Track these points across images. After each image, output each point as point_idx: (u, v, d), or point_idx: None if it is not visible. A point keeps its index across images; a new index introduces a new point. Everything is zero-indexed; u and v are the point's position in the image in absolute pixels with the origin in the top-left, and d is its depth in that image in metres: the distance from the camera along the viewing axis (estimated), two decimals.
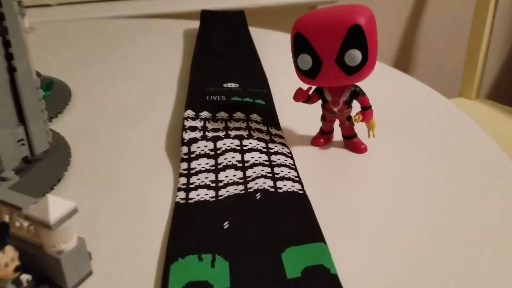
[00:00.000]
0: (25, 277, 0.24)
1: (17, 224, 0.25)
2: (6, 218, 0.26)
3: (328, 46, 0.32)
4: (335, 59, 0.33)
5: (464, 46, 0.97)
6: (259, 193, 0.31)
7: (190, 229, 0.28)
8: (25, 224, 0.25)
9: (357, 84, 0.35)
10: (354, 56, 0.32)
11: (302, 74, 0.34)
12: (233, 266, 0.26)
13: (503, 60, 1.30)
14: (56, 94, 0.46)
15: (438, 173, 0.34)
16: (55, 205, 0.24)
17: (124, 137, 0.40)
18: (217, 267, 0.26)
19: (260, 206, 0.30)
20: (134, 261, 0.27)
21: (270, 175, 0.33)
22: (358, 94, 0.35)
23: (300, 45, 0.33)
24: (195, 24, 0.64)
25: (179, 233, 0.28)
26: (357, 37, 0.32)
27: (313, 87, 0.36)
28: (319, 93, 0.36)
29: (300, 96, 0.36)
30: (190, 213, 0.30)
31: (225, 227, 0.28)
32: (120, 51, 0.59)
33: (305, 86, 0.36)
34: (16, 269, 0.22)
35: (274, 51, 0.57)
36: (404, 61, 1.24)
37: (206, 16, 0.63)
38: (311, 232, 0.28)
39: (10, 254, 0.21)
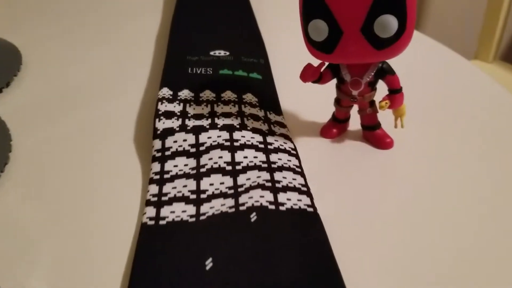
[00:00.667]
0: None
1: None
2: None
3: (352, 10, 0.23)
4: (361, 27, 0.24)
5: (483, 3, 0.87)
6: (254, 213, 0.23)
7: (160, 269, 0.21)
8: None
9: (386, 60, 0.26)
10: (388, 23, 0.23)
11: (314, 46, 0.25)
12: None
13: None
14: (1, 61, 0.36)
15: (485, 175, 0.27)
16: None
17: (80, 123, 0.31)
18: None
19: (256, 235, 0.22)
20: None
21: (269, 184, 0.24)
22: (386, 72, 0.27)
23: (312, 7, 0.24)
24: None
25: (144, 275, 0.20)
26: None
27: (326, 63, 0.27)
28: (333, 71, 0.28)
29: (310, 74, 0.27)
30: (160, 242, 0.22)
31: (207, 267, 0.21)
32: (86, 7, 0.49)
33: (315, 61, 0.27)
34: None
35: (276, 11, 0.47)
36: (419, 21, 1.13)
37: None
38: (326, 276, 0.20)
39: None
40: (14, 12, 0.48)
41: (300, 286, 0.20)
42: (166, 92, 0.31)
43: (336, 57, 0.25)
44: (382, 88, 0.27)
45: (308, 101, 0.32)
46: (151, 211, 0.24)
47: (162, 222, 0.23)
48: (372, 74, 0.27)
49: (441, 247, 0.23)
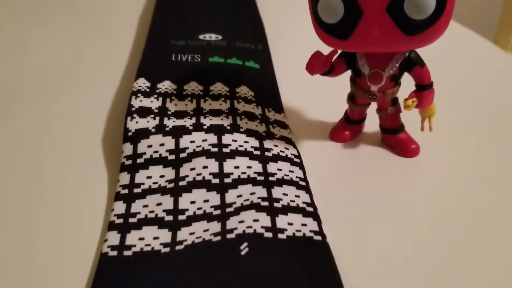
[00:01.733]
0: None
1: None
2: None
3: None
4: (387, 5, 0.18)
5: None
6: (245, 244, 0.18)
7: None
8: None
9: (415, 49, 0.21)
10: (424, 1, 0.18)
11: (325, 30, 0.20)
12: None
13: None
14: None
15: None
16: None
17: (37, 122, 0.26)
18: None
19: (247, 274, 0.17)
20: None
21: (266, 203, 0.19)
22: (414, 64, 0.22)
23: None
24: None
25: None
26: None
27: (339, 52, 0.22)
28: (348, 61, 0.22)
29: (318, 65, 0.22)
30: (123, 280, 0.17)
31: None
32: None
33: (326, 49, 0.22)
34: None
35: None
36: None
37: None
38: None
39: None
40: None
41: None
42: (142, 83, 0.26)
43: (353, 44, 0.20)
44: (407, 83, 0.22)
45: (316, 97, 0.27)
46: (114, 238, 0.18)
47: (127, 253, 0.18)
48: (397, 65, 0.21)
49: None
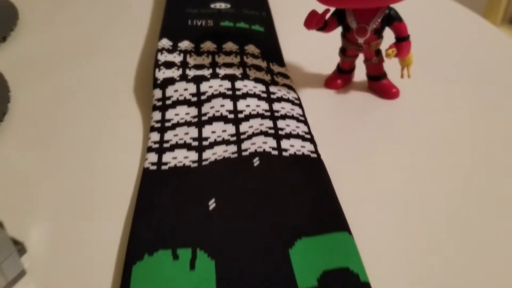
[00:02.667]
0: None
1: None
2: None
3: None
4: None
5: None
6: (257, 158, 0.23)
7: (162, 210, 0.20)
8: None
9: (392, 6, 0.26)
10: None
11: None
12: (220, 268, 0.18)
13: None
14: None
15: (487, 124, 0.26)
16: None
17: (80, 76, 0.31)
18: (199, 269, 0.18)
19: (259, 178, 0.22)
20: (84, 255, 0.20)
21: (272, 131, 0.24)
22: (393, 19, 0.26)
23: None
24: None
25: (147, 217, 0.20)
26: None
27: (332, 9, 0.27)
28: (339, 18, 0.27)
29: (314, 21, 0.26)
30: (162, 186, 0.22)
31: (210, 207, 0.20)
32: None
33: (320, 8, 0.26)
34: None
35: None
36: None
37: None
38: (330, 216, 0.20)
39: None
40: None
41: (304, 228, 0.20)
42: (165, 43, 0.30)
43: (342, 1, 0.25)
44: (388, 37, 0.27)
45: (312, 52, 0.31)
46: (152, 157, 0.23)
47: (164, 167, 0.23)
48: (379, 20, 0.26)
49: (435, 197, 0.22)
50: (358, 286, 0.18)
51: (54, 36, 0.35)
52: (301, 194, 0.21)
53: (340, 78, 0.29)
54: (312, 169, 0.22)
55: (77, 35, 0.35)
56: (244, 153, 0.23)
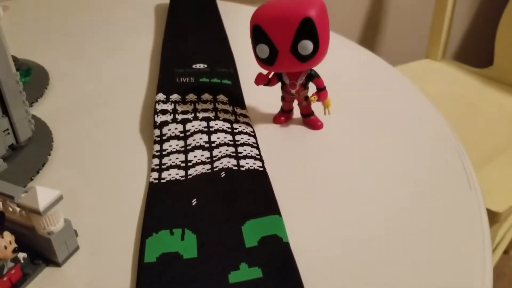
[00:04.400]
0: (21, 255, 0.28)
1: (10, 209, 0.29)
2: (0, 205, 0.30)
3: (283, 37, 0.36)
4: (290, 48, 0.36)
5: (432, 9, 1.00)
6: (223, 172, 0.35)
7: (163, 206, 0.33)
8: (17, 209, 0.29)
9: (312, 68, 0.39)
10: (306, 46, 0.35)
11: (261, 61, 0.38)
12: (200, 238, 0.30)
13: (469, 22, 1.33)
14: (35, 79, 0.48)
15: (386, 145, 0.39)
16: (43, 194, 0.27)
17: (101, 120, 0.43)
18: (186, 240, 0.30)
19: (224, 184, 0.34)
20: (114, 236, 0.32)
21: (234, 154, 0.37)
22: (313, 77, 0.39)
23: (258, 36, 0.36)
24: None
25: (153, 211, 0.32)
26: (308, 29, 0.35)
27: (272, 72, 0.39)
28: (278, 77, 0.40)
29: (261, 80, 0.39)
30: (162, 192, 0.34)
31: (193, 203, 0.33)
32: (94, 28, 0.61)
33: (265, 71, 0.39)
34: (14, 251, 0.26)
35: (243, 27, 0.59)
36: (373, 22, 1.26)
37: None
38: (268, 206, 0.32)
39: (8, 238, 0.25)
40: (36, 39, 0.60)
41: (252, 213, 0.32)
42: (161, 96, 0.43)
43: (276, 68, 0.38)
44: (313, 87, 0.40)
45: (264, 99, 0.44)
46: (155, 175, 0.35)
47: (163, 181, 0.35)
48: (304, 78, 0.39)
49: (350, 195, 0.35)
50: (281, 244, 0.30)
51: (78, 89, 0.48)
52: (251, 193, 0.33)
53: (283, 116, 0.42)
54: (259, 178, 0.35)
55: (95, 88, 0.48)
56: (215, 169, 0.35)
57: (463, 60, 1.06)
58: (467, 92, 0.90)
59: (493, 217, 0.64)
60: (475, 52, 1.37)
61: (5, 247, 0.25)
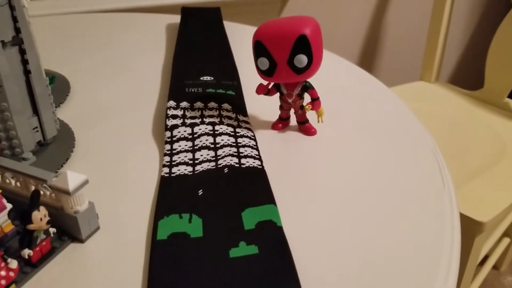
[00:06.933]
0: (52, 230, 0.32)
1: (42, 192, 0.34)
2: (32, 188, 0.34)
3: (281, 52, 0.41)
4: (287, 61, 0.41)
5: (426, 34, 1.05)
6: (226, 168, 0.40)
7: (173, 196, 0.37)
8: (48, 192, 0.34)
9: (307, 80, 0.44)
10: (301, 59, 0.41)
11: (261, 73, 0.43)
12: (205, 221, 0.35)
13: (461, 47, 1.39)
14: (57, 87, 0.53)
15: (371, 150, 0.44)
16: (72, 178, 0.32)
17: (117, 124, 0.48)
18: (193, 222, 0.34)
19: (227, 178, 0.39)
20: (130, 219, 0.36)
21: (236, 154, 0.41)
22: (308, 88, 0.44)
23: (259, 50, 0.41)
24: (177, 19, 0.72)
25: (164, 199, 0.37)
26: (304, 44, 0.40)
27: (272, 83, 0.44)
28: (276, 87, 0.45)
29: (261, 90, 0.45)
30: (173, 184, 0.38)
31: (199, 194, 0.37)
32: (111, 45, 0.67)
33: (265, 82, 0.44)
34: (48, 222, 0.30)
35: (246, 44, 0.65)
36: (370, 46, 1.32)
37: (186, 13, 0.71)
38: (265, 197, 0.37)
39: (43, 211, 0.30)
40: (60, 52, 0.65)
41: (251, 202, 0.36)
42: (172, 103, 0.48)
43: (275, 79, 0.43)
44: (308, 97, 0.45)
45: (264, 108, 0.49)
46: (166, 170, 0.40)
47: (173, 175, 0.39)
48: (299, 89, 0.44)
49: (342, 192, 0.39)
50: (276, 227, 0.34)
51: (97, 98, 0.53)
52: (251, 186, 0.38)
53: (281, 123, 0.47)
54: (258, 174, 0.39)
55: (112, 97, 0.53)
56: (219, 166, 0.40)
57: (456, 82, 1.11)
58: (457, 112, 0.95)
59: (479, 227, 0.68)
60: (467, 75, 1.43)
61: (41, 219, 0.30)
